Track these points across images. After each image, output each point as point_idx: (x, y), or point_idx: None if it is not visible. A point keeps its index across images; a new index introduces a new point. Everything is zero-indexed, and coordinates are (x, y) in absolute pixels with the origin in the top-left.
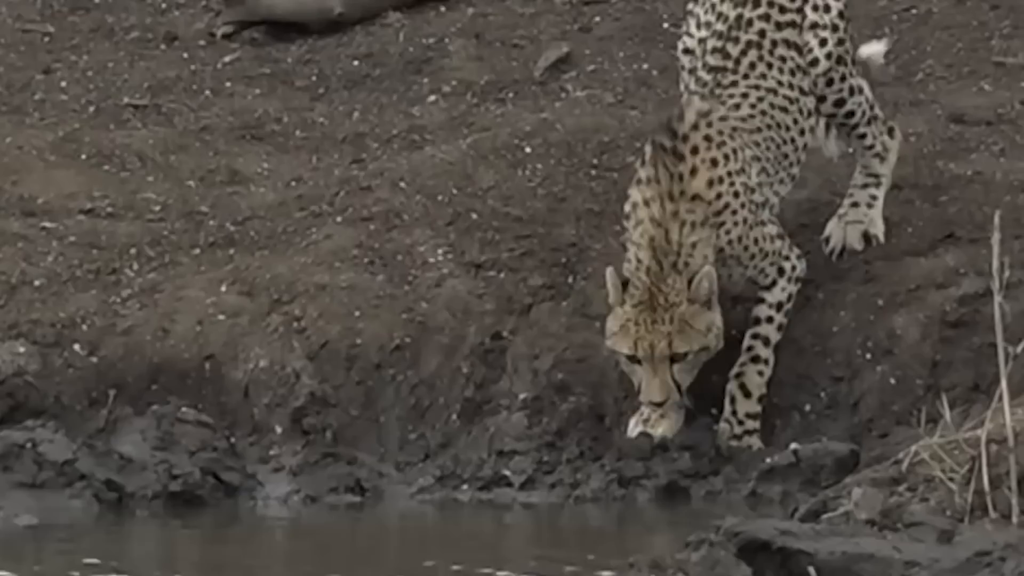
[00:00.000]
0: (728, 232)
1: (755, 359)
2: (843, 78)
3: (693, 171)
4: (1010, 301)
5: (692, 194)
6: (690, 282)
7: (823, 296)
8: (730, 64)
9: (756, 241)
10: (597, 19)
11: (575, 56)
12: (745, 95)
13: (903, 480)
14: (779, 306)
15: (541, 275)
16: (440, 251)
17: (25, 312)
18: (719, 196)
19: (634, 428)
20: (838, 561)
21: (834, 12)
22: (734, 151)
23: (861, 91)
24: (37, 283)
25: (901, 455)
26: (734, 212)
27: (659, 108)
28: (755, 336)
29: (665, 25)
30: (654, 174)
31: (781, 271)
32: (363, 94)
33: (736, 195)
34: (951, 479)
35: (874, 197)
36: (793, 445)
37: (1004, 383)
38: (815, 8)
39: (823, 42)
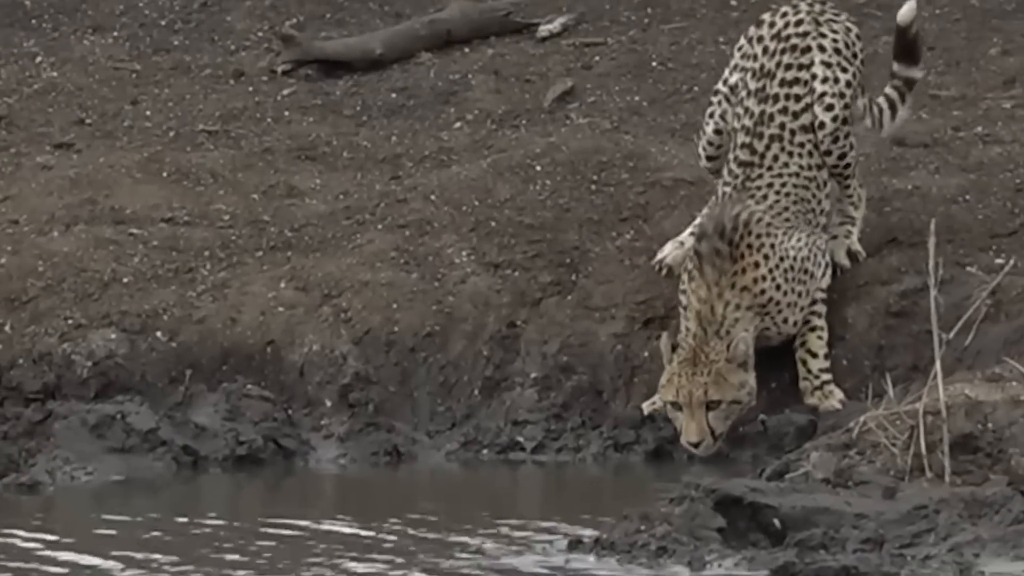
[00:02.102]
0: (774, 318)
1: (812, 328)
2: (846, 135)
3: (743, 271)
4: (943, 295)
5: (741, 287)
6: (729, 345)
7: None
8: (756, 159)
9: (801, 308)
10: (596, 58)
11: (578, 89)
12: (771, 184)
13: (853, 445)
14: (823, 289)
15: (549, 273)
16: (464, 253)
17: (116, 305)
18: (763, 291)
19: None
20: (799, 514)
21: (842, 83)
22: (772, 247)
23: (854, 148)
24: (125, 280)
25: (852, 424)
26: (777, 303)
27: (648, 133)
28: (810, 312)
29: (654, 64)
30: (701, 273)
31: (826, 267)
32: (399, 121)
33: (778, 287)
34: (894, 445)
35: (849, 231)
36: (761, 416)
37: (938, 364)
38: (824, 80)
39: (829, 108)
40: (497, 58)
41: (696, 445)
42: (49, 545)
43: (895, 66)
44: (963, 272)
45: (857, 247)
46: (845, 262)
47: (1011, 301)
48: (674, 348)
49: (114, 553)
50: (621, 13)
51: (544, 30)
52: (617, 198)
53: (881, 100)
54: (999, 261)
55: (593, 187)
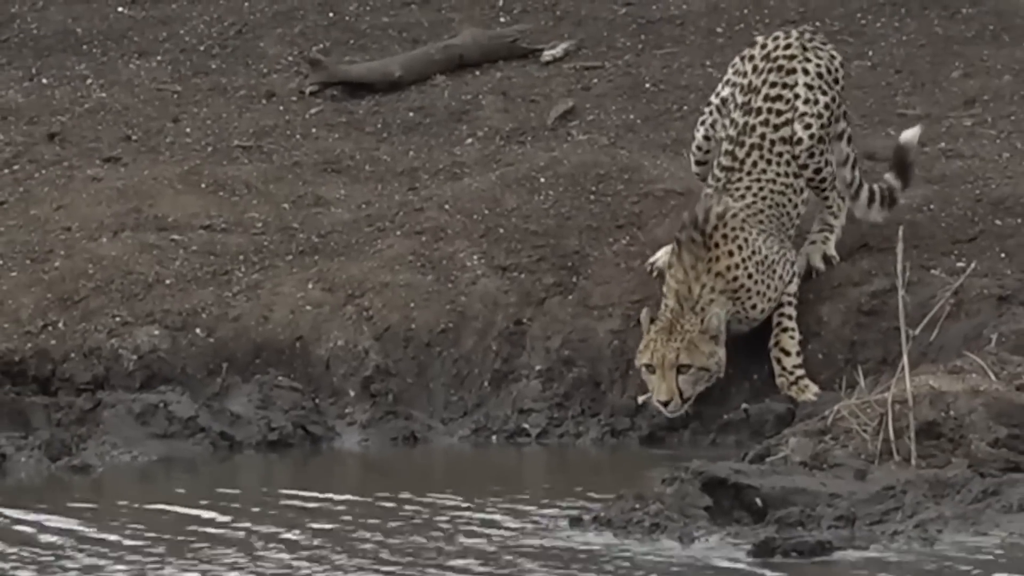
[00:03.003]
0: (743, 302)
1: (784, 329)
2: (822, 153)
3: (717, 258)
4: (910, 295)
5: (716, 272)
6: (703, 319)
7: None
8: (737, 164)
9: (768, 299)
10: (595, 81)
11: (578, 109)
12: (749, 187)
13: (828, 431)
14: (794, 295)
15: (552, 275)
16: (475, 257)
17: (159, 304)
18: (735, 278)
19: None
20: (778, 493)
21: (822, 104)
22: (746, 240)
23: (830, 164)
24: (168, 282)
25: (827, 412)
26: (747, 289)
27: (642, 148)
28: (781, 315)
29: (647, 85)
30: (679, 258)
31: (793, 275)
32: (416, 137)
33: (749, 275)
34: (865, 431)
35: (827, 238)
36: (744, 405)
37: (905, 358)
38: (806, 101)
39: (807, 126)
40: (505, 80)
41: (665, 404)
42: (101, 515)
43: (887, 174)
44: (928, 275)
45: (832, 252)
46: (820, 266)
47: (971, 301)
48: (652, 320)
49: (161, 520)
50: (617, 40)
51: (548, 55)
52: (614, 207)
53: (873, 186)
54: (960, 265)
55: (592, 197)
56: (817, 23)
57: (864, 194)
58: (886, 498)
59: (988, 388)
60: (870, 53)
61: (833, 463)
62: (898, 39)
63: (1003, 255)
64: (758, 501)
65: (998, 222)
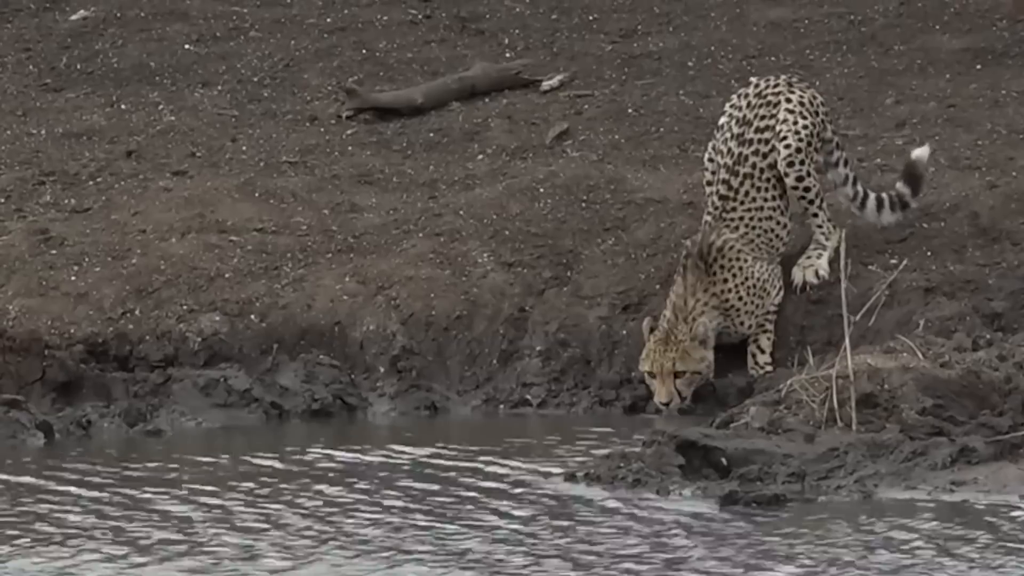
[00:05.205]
0: (733, 319)
1: (765, 331)
2: (802, 162)
3: (715, 283)
4: (853, 286)
5: (712, 292)
6: (691, 328)
7: None
8: (732, 193)
9: (755, 316)
10: (586, 106)
11: (571, 130)
12: (742, 218)
13: (782, 402)
14: (776, 305)
15: (550, 270)
16: (485, 255)
17: (220, 294)
18: (727, 300)
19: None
20: (740, 454)
21: (799, 124)
22: (740, 268)
23: (812, 176)
24: (227, 275)
25: (781, 386)
26: (738, 309)
27: (625, 164)
28: (765, 319)
29: (629, 111)
30: (683, 277)
31: (780, 289)
32: (436, 154)
33: (740, 298)
34: (813, 401)
35: (820, 255)
36: (711, 379)
37: (847, 340)
38: (784, 121)
39: (784, 137)
40: (510, 106)
41: (666, 404)
42: (175, 470)
43: (898, 183)
44: (866, 270)
45: (824, 271)
46: (813, 280)
47: (902, 292)
48: (652, 331)
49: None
50: (605, 72)
51: (546, 85)
52: (601, 213)
53: (880, 194)
54: (893, 261)
55: (583, 204)
56: (772, 58)
57: (871, 203)
58: (831, 458)
59: (917, 365)
60: (817, 83)
61: (786, 428)
62: (840, 71)
63: (929, 253)
64: (723, 460)
65: (925, 226)
